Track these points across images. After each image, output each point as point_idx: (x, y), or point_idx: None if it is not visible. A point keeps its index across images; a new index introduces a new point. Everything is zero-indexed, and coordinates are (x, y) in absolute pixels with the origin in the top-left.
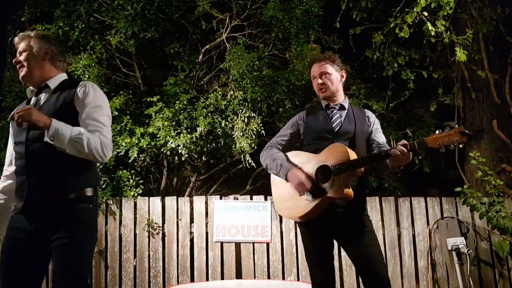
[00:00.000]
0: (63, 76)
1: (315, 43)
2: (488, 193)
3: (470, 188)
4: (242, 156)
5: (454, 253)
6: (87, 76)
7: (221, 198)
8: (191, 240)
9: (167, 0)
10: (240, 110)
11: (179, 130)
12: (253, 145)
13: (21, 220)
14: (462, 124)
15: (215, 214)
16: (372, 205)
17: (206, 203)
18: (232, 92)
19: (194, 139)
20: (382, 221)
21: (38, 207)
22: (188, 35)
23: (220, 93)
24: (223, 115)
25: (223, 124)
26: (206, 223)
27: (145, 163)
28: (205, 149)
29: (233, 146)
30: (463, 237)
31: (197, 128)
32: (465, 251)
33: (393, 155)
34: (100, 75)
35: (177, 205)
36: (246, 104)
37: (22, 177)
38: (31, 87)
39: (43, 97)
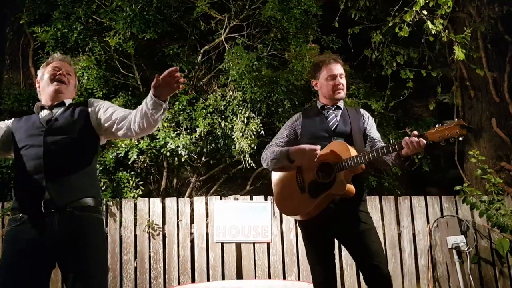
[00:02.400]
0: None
1: (314, 43)
2: (487, 191)
3: (469, 186)
4: (241, 156)
5: (454, 251)
6: (86, 77)
7: (221, 199)
8: (192, 241)
9: (165, 1)
10: (240, 111)
11: (178, 131)
12: (252, 145)
13: (27, 230)
14: None
15: (216, 214)
16: (372, 204)
17: (206, 203)
18: (231, 93)
19: (193, 140)
20: (382, 220)
21: (53, 212)
22: (187, 36)
23: (220, 93)
24: (223, 116)
25: (222, 125)
26: (207, 224)
27: (145, 164)
28: (204, 150)
29: (232, 147)
30: (463, 236)
31: (197, 129)
32: (465, 249)
33: (400, 147)
34: (99, 76)
35: (177, 206)
36: (246, 104)
37: (36, 178)
38: (42, 104)
39: (57, 111)
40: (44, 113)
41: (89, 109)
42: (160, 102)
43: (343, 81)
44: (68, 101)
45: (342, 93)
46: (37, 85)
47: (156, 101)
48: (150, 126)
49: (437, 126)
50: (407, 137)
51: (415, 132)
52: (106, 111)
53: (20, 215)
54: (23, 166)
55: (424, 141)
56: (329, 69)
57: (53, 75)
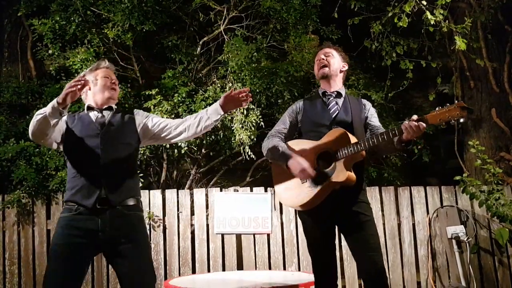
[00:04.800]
0: None
1: (313, 33)
2: (487, 181)
3: (469, 176)
4: (241, 148)
5: (454, 241)
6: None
7: (221, 190)
8: (192, 232)
9: None
10: None
11: None
12: (252, 137)
13: (82, 220)
14: None
15: (216, 206)
16: (372, 195)
17: (207, 195)
18: (230, 84)
19: None
20: (382, 210)
21: (106, 208)
22: (186, 27)
23: (219, 85)
24: None
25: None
26: (207, 215)
27: (145, 156)
28: (204, 142)
29: (232, 138)
30: (462, 226)
31: None
32: (465, 239)
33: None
34: None
35: (178, 197)
36: None
37: (94, 177)
38: (92, 105)
39: (108, 115)
40: (95, 114)
41: (136, 118)
42: (221, 112)
43: (329, 58)
44: (113, 105)
45: (326, 69)
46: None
47: (219, 109)
48: (199, 130)
49: (437, 109)
50: (407, 122)
51: (415, 116)
52: (156, 120)
53: (76, 206)
54: (80, 163)
55: (424, 125)
56: (317, 54)
57: (108, 84)
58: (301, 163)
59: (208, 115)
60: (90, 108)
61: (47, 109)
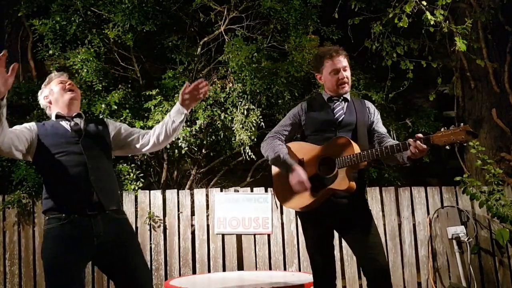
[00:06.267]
0: None
1: (313, 34)
2: (487, 181)
3: (470, 177)
4: (242, 148)
5: (454, 241)
6: (86, 70)
7: (221, 191)
8: (193, 233)
9: None
10: (239, 103)
11: None
12: (252, 137)
13: (74, 228)
14: (461, 114)
15: (216, 206)
16: (373, 195)
17: (207, 195)
18: (231, 85)
19: (193, 132)
20: (383, 211)
21: (97, 213)
22: (186, 27)
23: (219, 85)
24: (222, 108)
25: (222, 117)
26: (207, 216)
27: (145, 157)
28: (204, 142)
29: (232, 139)
30: (463, 226)
31: (197, 121)
32: (465, 239)
33: (405, 149)
34: (98, 69)
35: (178, 198)
36: (245, 96)
37: (83, 184)
38: (61, 113)
39: (80, 122)
40: (67, 123)
41: (109, 126)
42: (183, 111)
43: (347, 73)
44: (82, 113)
45: (347, 87)
46: (45, 101)
47: (180, 108)
48: (168, 135)
49: (442, 130)
50: (412, 140)
51: (420, 135)
52: (127, 128)
53: (64, 215)
54: (64, 171)
55: (430, 144)
56: (332, 63)
57: (64, 86)
58: (301, 175)
59: (173, 118)
60: (59, 117)
61: None
